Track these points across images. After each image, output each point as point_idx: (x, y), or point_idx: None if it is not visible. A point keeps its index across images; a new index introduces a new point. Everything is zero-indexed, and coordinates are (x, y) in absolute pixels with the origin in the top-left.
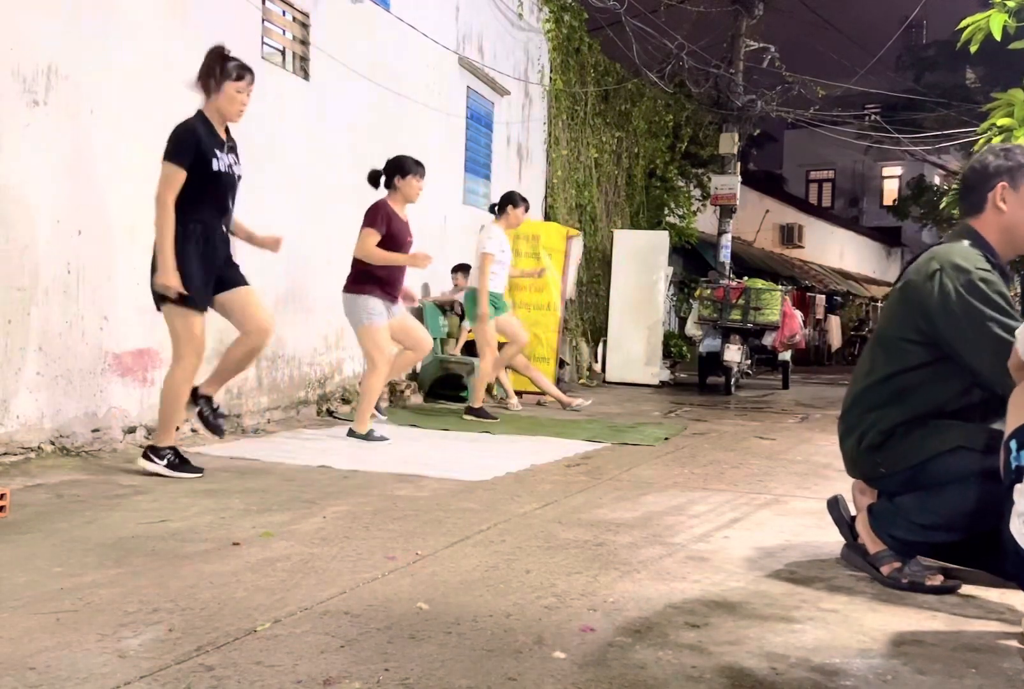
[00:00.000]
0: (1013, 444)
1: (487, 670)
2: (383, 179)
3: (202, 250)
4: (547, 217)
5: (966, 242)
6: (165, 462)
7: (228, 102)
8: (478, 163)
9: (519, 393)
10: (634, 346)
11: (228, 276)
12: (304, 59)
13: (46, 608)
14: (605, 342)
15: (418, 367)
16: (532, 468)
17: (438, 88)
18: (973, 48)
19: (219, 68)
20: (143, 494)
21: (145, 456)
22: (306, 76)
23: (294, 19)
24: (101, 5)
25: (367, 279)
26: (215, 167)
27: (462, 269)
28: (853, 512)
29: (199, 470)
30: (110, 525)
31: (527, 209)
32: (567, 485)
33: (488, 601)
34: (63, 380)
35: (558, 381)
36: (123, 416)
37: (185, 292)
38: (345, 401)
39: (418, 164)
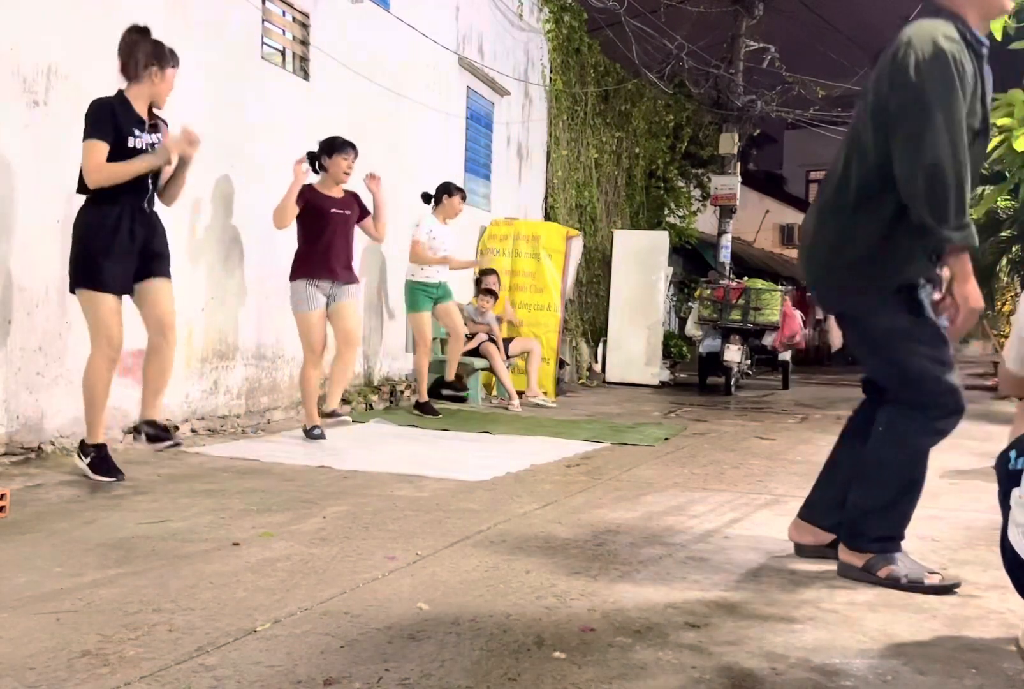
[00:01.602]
0: (1012, 453)
1: (487, 670)
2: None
3: (117, 232)
4: (547, 217)
5: (940, 19)
6: (88, 460)
7: (168, 88)
8: (478, 163)
9: (520, 393)
10: (634, 346)
11: (149, 265)
12: (304, 59)
13: (46, 608)
14: (605, 342)
15: None
16: (532, 468)
17: (438, 88)
18: None
19: (161, 54)
20: (143, 494)
21: (78, 452)
22: (306, 76)
23: (294, 19)
24: (101, 5)
25: (295, 264)
26: (131, 144)
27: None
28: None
29: (118, 474)
30: (110, 525)
31: (463, 198)
32: (567, 485)
33: (488, 601)
34: (63, 380)
35: (558, 381)
36: (123, 416)
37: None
38: (345, 401)
39: (346, 143)
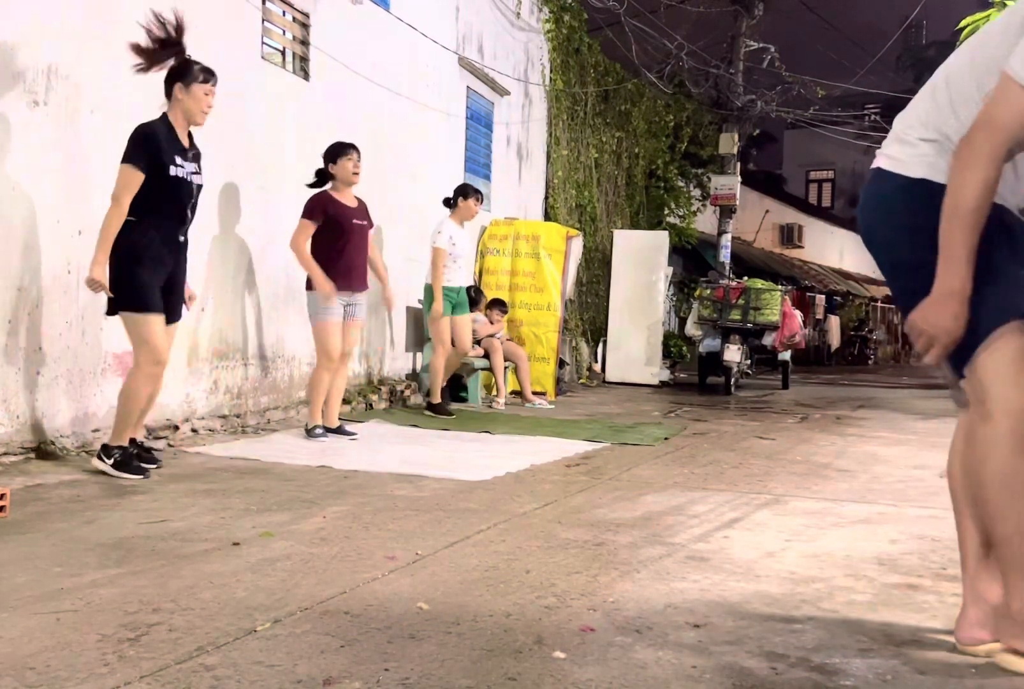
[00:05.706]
0: None
1: (487, 670)
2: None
3: (156, 258)
4: (547, 217)
5: None
6: (111, 461)
7: (196, 104)
8: (478, 163)
9: (515, 393)
10: (634, 346)
11: (167, 303)
12: (304, 59)
13: (46, 608)
14: (605, 342)
15: (419, 367)
16: (532, 468)
17: (438, 88)
18: None
19: (186, 70)
20: (143, 494)
21: (98, 455)
22: (306, 76)
23: (294, 19)
24: (101, 5)
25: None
26: (173, 172)
27: (497, 305)
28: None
29: (144, 472)
30: (110, 525)
31: (480, 200)
32: (567, 485)
33: (488, 601)
34: (63, 380)
35: (558, 381)
36: None
37: (109, 293)
38: (345, 401)
39: (345, 145)
